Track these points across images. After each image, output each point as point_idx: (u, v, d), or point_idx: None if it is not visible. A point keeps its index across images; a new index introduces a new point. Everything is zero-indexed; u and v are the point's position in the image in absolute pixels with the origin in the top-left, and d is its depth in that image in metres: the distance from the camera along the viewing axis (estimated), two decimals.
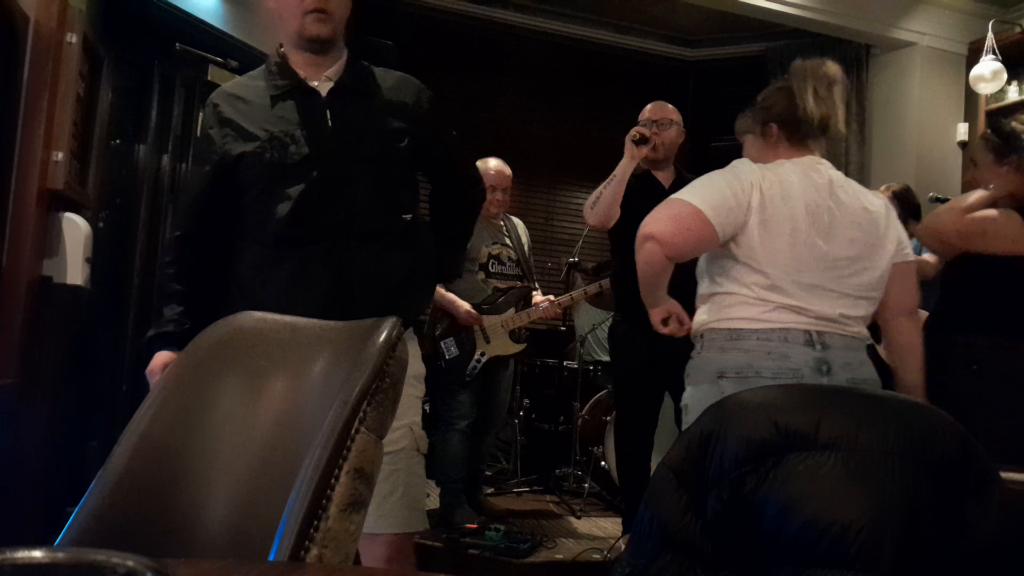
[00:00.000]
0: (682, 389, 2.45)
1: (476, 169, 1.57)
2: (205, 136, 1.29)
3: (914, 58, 3.84)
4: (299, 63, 1.27)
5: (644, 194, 2.33)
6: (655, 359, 2.28)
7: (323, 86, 1.26)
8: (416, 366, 1.29)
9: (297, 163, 1.21)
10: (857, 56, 4.05)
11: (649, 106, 2.46)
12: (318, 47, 1.25)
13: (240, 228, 1.27)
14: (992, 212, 1.72)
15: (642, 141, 2.29)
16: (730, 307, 1.39)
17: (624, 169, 2.26)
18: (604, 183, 2.27)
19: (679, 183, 2.38)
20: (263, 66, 1.31)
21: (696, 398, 1.43)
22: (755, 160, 1.48)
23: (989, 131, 1.85)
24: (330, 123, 1.24)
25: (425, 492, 1.32)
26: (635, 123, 2.40)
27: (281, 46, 1.30)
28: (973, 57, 3.60)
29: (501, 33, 4.28)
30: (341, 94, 1.26)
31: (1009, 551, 0.91)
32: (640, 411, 2.37)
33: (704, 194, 1.36)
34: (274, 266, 1.22)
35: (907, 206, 3.00)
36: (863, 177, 3.95)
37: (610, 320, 3.51)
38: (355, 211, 1.22)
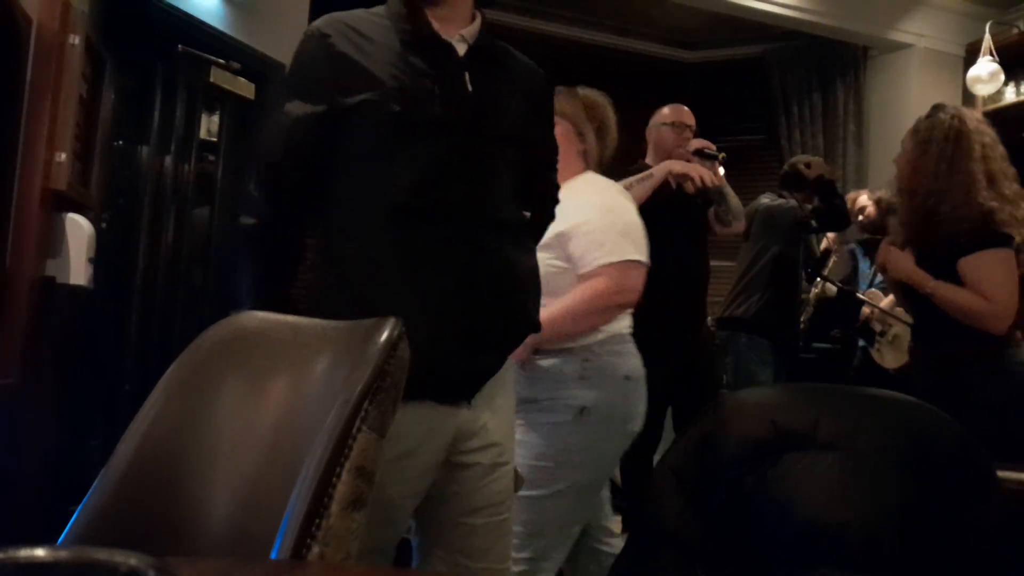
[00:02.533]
0: (685, 395, 2.44)
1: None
2: (309, 69, 1.03)
3: (911, 59, 3.85)
4: (433, 15, 1.06)
5: (653, 194, 2.32)
6: (665, 362, 2.28)
7: (459, 45, 1.06)
8: (515, 382, 1.20)
9: (429, 123, 1.00)
10: (855, 58, 4.06)
11: (686, 109, 2.40)
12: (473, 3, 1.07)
13: (337, 194, 1.03)
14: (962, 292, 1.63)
15: (711, 157, 2.23)
16: (619, 318, 1.55)
17: (663, 172, 2.19)
18: (635, 178, 2.16)
19: (681, 184, 2.38)
20: (382, 8, 1.08)
21: (603, 400, 1.48)
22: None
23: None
24: (470, 87, 1.03)
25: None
26: (635, 123, 2.39)
27: None
28: (970, 58, 3.61)
29: (501, 35, 4.25)
30: (479, 58, 1.07)
31: (1008, 550, 0.91)
32: (649, 413, 2.37)
33: (640, 246, 1.52)
34: (391, 247, 0.99)
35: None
36: (860, 178, 3.95)
37: None
38: (489, 195, 1.03)
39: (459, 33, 1.07)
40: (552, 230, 1.32)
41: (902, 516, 0.90)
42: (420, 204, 0.99)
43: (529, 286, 1.10)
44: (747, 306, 2.63)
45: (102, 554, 0.42)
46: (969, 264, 1.57)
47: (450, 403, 1.03)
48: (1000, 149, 1.67)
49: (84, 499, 0.79)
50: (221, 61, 2.55)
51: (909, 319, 2.77)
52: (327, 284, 1.04)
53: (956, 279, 1.62)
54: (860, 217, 3.09)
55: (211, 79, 2.54)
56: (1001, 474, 1.00)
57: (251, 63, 2.75)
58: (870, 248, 3.08)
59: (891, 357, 2.89)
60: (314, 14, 3.18)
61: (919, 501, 0.92)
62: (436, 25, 1.06)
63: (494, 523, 1.09)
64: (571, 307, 1.43)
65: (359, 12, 1.08)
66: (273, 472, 0.77)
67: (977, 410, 1.47)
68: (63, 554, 0.43)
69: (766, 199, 2.72)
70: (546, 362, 1.46)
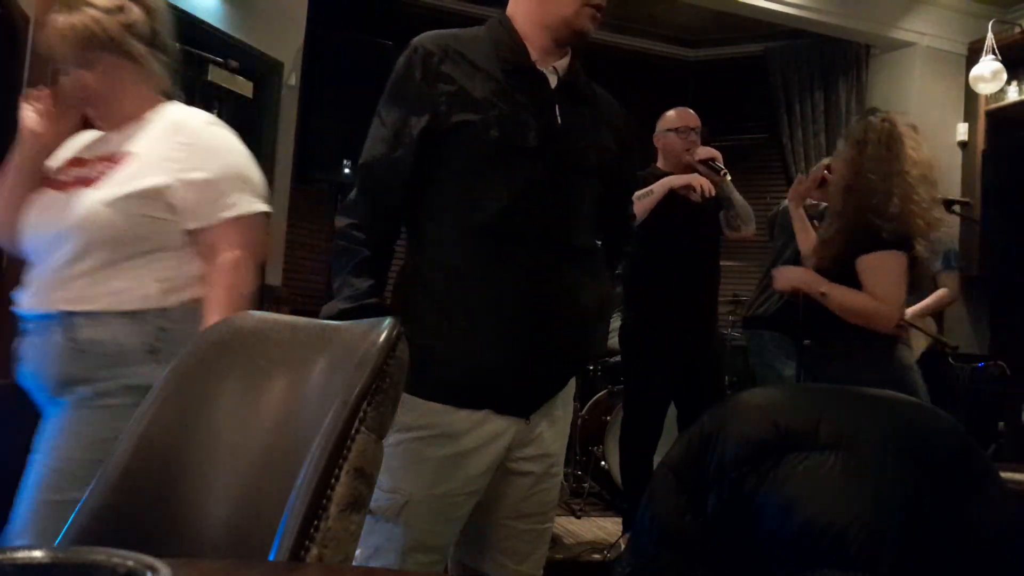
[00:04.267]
0: (688, 395, 2.45)
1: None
2: (414, 84, 1.06)
3: (914, 58, 3.84)
4: (536, 45, 1.10)
5: (666, 197, 2.33)
6: (668, 363, 2.28)
7: (551, 77, 1.11)
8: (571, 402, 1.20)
9: (523, 150, 1.05)
10: (857, 56, 4.05)
11: (690, 112, 2.41)
12: (575, 43, 1.11)
13: (430, 208, 1.08)
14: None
15: (716, 170, 2.24)
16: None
17: (666, 186, 2.23)
18: (637, 194, 2.19)
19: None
20: (483, 27, 1.13)
21: None
22: None
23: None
24: (559, 119, 1.09)
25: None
26: (636, 123, 2.39)
27: (508, 18, 1.12)
28: (973, 57, 3.61)
29: None
30: (567, 92, 1.12)
31: (1010, 551, 0.91)
32: (650, 413, 2.37)
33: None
34: (474, 260, 1.05)
35: None
36: None
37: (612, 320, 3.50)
38: (569, 221, 1.08)
39: (552, 65, 1.12)
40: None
41: (904, 517, 0.89)
42: (507, 226, 1.05)
43: (598, 311, 1.14)
44: (768, 305, 2.72)
45: (100, 555, 0.42)
46: (867, 262, 1.62)
47: (509, 415, 1.07)
48: (926, 155, 1.71)
49: (82, 500, 0.79)
50: (220, 59, 2.55)
51: (923, 325, 2.79)
52: (413, 290, 1.09)
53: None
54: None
55: (209, 77, 2.54)
56: (1002, 475, 1.00)
57: (250, 62, 2.75)
58: None
59: None
60: (313, 13, 3.18)
61: (921, 502, 0.92)
62: (533, 55, 1.11)
63: (537, 531, 1.13)
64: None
65: (464, 33, 1.12)
66: (271, 473, 0.76)
67: None
68: (61, 555, 0.43)
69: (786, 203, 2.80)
70: (99, 332, 1.09)
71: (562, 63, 1.13)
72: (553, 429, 1.14)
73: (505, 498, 1.11)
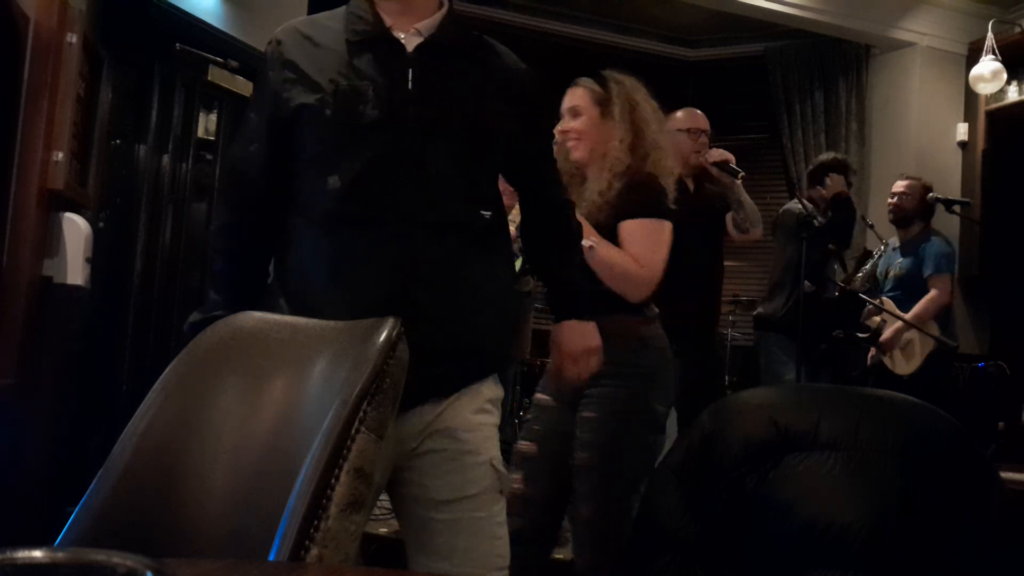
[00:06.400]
0: (690, 396, 2.45)
1: (571, 202, 1.28)
2: (263, 76, 1.07)
3: (914, 58, 3.84)
4: (387, 10, 1.04)
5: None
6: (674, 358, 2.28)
7: (410, 40, 1.03)
8: (493, 388, 1.09)
9: (364, 126, 0.98)
10: (857, 56, 4.05)
11: (700, 113, 2.39)
12: None
13: (290, 200, 1.05)
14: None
15: (732, 173, 2.22)
16: None
17: None
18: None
19: (700, 187, 2.38)
20: (344, 7, 1.08)
21: None
22: None
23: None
24: (411, 85, 1.00)
25: (508, 541, 1.07)
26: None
27: None
28: (973, 57, 3.60)
29: (501, 33, 4.26)
30: (431, 52, 1.03)
31: (1008, 550, 0.91)
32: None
33: None
34: (320, 252, 1.00)
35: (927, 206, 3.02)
36: (862, 177, 3.95)
37: None
38: (428, 194, 0.99)
39: (414, 27, 1.04)
40: None
41: (903, 516, 0.89)
42: (348, 208, 0.98)
43: (484, 292, 1.03)
44: (774, 306, 2.75)
45: (100, 555, 0.42)
46: (630, 227, 1.54)
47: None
48: (662, 120, 1.69)
49: (82, 500, 0.79)
50: (219, 59, 2.55)
51: (926, 328, 2.79)
52: (272, 289, 1.06)
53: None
54: (895, 201, 3.07)
55: (209, 77, 2.54)
56: (1002, 475, 1.00)
57: (249, 61, 2.74)
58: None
59: (903, 364, 2.91)
60: (312, 12, 3.18)
61: (920, 501, 0.92)
62: (389, 21, 1.04)
63: (458, 520, 1.00)
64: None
65: (320, 15, 1.09)
66: (271, 473, 0.76)
67: (626, 381, 1.49)
68: (61, 555, 0.43)
69: (788, 204, 2.84)
70: None
71: (427, 23, 1.04)
72: (455, 411, 1.02)
73: (416, 487, 1.01)
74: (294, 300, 1.02)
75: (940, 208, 3.07)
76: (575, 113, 1.68)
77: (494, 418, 1.08)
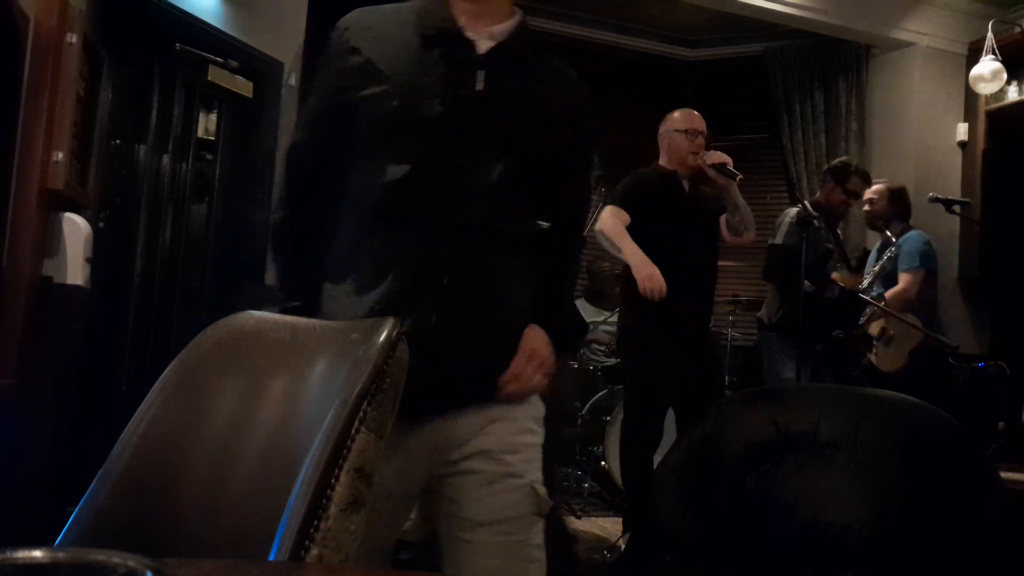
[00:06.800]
0: (688, 396, 2.44)
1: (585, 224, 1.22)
2: (324, 67, 1.04)
3: (914, 58, 3.84)
4: (463, 9, 1.02)
5: (668, 196, 2.32)
6: (666, 364, 2.28)
7: (482, 42, 1.01)
8: (536, 407, 1.05)
9: (425, 122, 0.96)
10: (857, 56, 4.05)
11: (696, 114, 2.40)
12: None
13: (343, 193, 1.03)
14: None
15: (731, 175, 2.21)
16: None
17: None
18: (618, 238, 2.20)
19: (694, 188, 2.38)
20: (409, 1, 1.06)
21: None
22: None
23: None
24: (479, 86, 0.99)
25: (544, 564, 1.03)
26: (636, 121, 2.39)
27: None
28: (973, 57, 3.61)
29: None
30: (500, 57, 1.01)
31: (1008, 550, 0.91)
32: (649, 413, 2.37)
33: None
34: (355, 249, 0.98)
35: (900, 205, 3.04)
36: None
37: (607, 319, 3.51)
38: (470, 196, 0.97)
39: (487, 30, 1.02)
40: None
41: (903, 516, 0.89)
42: (391, 205, 0.97)
43: (511, 298, 1.01)
44: (772, 308, 2.78)
45: (100, 555, 0.42)
46: None
47: (417, 413, 0.95)
48: None
49: (82, 500, 0.79)
50: (219, 59, 2.55)
51: (913, 321, 2.79)
52: (321, 283, 1.04)
53: None
54: (866, 208, 3.10)
55: (209, 77, 2.54)
56: (1001, 475, 1.00)
57: (249, 61, 2.75)
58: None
59: (888, 360, 2.91)
60: (312, 12, 3.18)
61: (920, 501, 0.92)
62: (463, 20, 1.02)
63: (500, 544, 0.98)
64: None
65: (387, 7, 1.06)
66: (271, 473, 0.76)
67: None
68: (61, 555, 0.43)
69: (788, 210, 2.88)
70: None
71: (501, 27, 1.03)
72: (497, 432, 1.00)
73: (454, 505, 0.99)
74: (326, 295, 1.01)
75: (940, 208, 3.07)
76: None
77: (537, 438, 1.05)
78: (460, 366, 0.98)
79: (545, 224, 1.06)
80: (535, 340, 1.05)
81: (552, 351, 1.06)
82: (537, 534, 1.02)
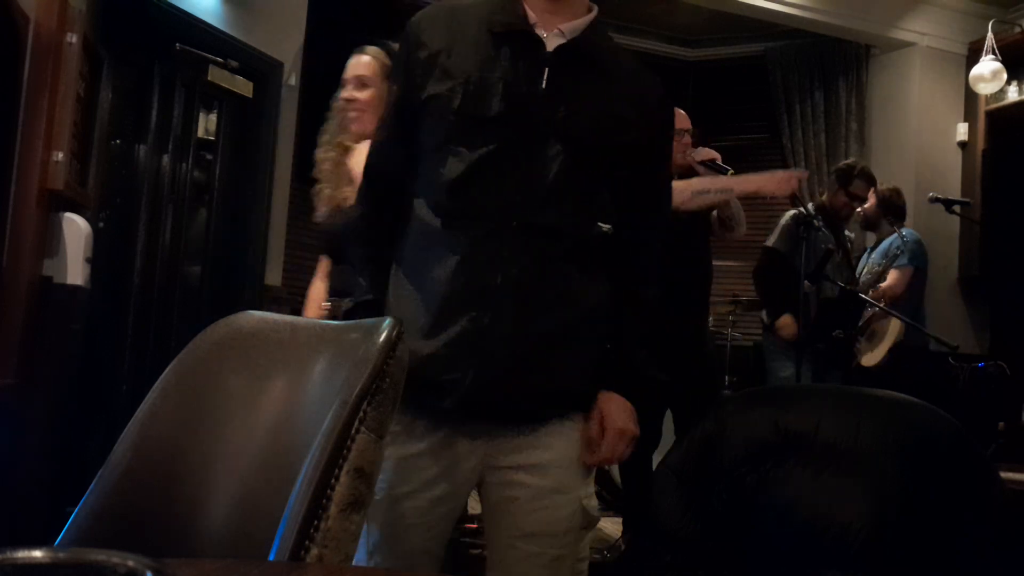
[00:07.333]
0: (685, 397, 2.44)
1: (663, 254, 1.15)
2: (399, 58, 1.05)
3: (914, 58, 3.84)
4: (536, 6, 1.00)
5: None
6: (663, 364, 2.28)
7: (552, 39, 0.99)
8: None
9: (488, 119, 0.95)
10: (857, 56, 4.05)
11: (682, 113, 2.35)
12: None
13: (412, 192, 1.02)
14: None
15: (721, 171, 2.18)
16: None
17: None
18: (711, 180, 2.15)
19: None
20: None
21: None
22: None
23: None
24: (544, 84, 0.96)
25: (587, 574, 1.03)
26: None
27: None
28: (973, 57, 3.60)
29: None
30: (570, 54, 0.98)
31: (1008, 550, 0.91)
32: (648, 414, 2.37)
33: None
34: (434, 250, 0.96)
35: (892, 208, 3.05)
36: None
37: None
38: (535, 196, 0.94)
39: (559, 27, 0.99)
40: None
41: (904, 516, 0.89)
42: (454, 204, 0.95)
43: (582, 304, 0.97)
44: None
45: (100, 555, 0.42)
46: None
47: (471, 419, 0.96)
48: None
49: (82, 500, 0.79)
50: (219, 59, 2.55)
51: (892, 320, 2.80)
52: (389, 280, 1.04)
53: None
54: (859, 210, 3.11)
55: (209, 77, 2.54)
56: (1001, 475, 1.00)
57: (249, 61, 2.75)
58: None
59: (868, 355, 2.93)
60: (312, 12, 3.18)
61: (920, 501, 0.92)
62: (534, 17, 1.00)
63: (546, 555, 0.97)
64: None
65: (464, 2, 1.04)
66: (271, 473, 0.76)
67: None
68: (61, 555, 0.43)
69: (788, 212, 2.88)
70: None
71: (572, 25, 1.00)
72: (554, 446, 0.98)
73: (503, 514, 0.99)
74: (391, 293, 1.01)
75: (940, 208, 3.07)
76: (361, 84, 1.63)
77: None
78: (542, 378, 0.96)
79: (605, 227, 1.01)
80: (620, 417, 1.02)
81: (636, 419, 1.04)
82: (584, 548, 1.02)
